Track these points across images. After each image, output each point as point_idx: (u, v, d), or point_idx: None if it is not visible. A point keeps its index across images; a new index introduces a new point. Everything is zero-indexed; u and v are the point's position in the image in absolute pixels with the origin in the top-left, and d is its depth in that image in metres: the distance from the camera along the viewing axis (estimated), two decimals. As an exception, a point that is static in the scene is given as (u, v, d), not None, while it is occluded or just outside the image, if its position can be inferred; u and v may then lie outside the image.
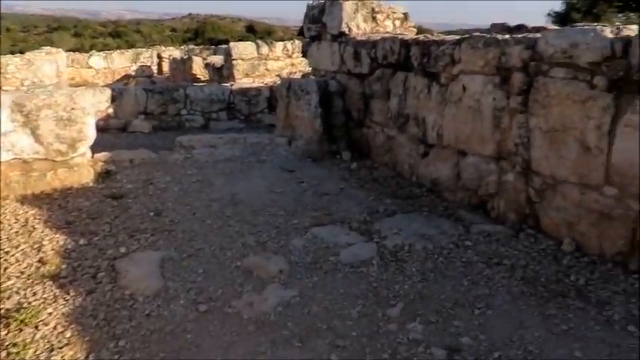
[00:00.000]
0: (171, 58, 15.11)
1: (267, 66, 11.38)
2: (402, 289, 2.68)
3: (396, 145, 4.85)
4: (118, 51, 17.00)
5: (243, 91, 8.51)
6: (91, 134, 4.48)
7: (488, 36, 3.58)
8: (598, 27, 2.81)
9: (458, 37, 4.06)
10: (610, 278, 2.70)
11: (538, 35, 3.21)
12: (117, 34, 39.16)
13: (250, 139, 5.60)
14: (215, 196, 4.17)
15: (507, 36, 3.49)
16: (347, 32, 5.56)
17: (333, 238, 3.24)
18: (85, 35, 38.49)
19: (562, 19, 23.93)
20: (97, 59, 15.00)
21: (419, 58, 4.29)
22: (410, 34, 5.50)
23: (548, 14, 25.54)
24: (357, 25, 5.59)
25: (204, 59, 13.71)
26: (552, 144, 3.12)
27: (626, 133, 2.66)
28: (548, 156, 3.17)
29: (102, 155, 5.12)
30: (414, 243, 3.12)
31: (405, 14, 6.00)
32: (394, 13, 5.89)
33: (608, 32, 2.75)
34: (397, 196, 4.26)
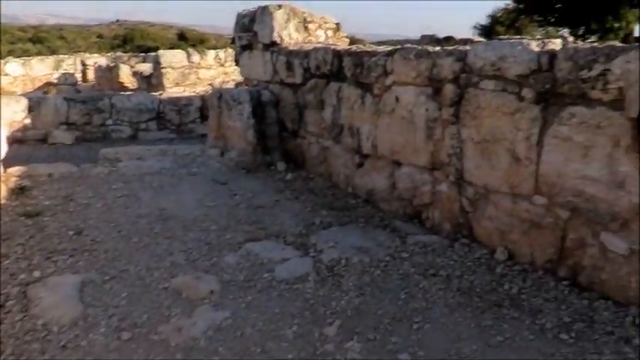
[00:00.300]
0: (96, 65, 14.38)
1: (199, 75, 11.08)
2: (339, 305, 2.59)
3: (332, 156, 4.80)
4: (37, 57, 15.99)
5: (174, 101, 8.20)
6: (2, 147, 4.09)
7: (420, 48, 3.61)
8: (525, 40, 2.89)
9: (390, 48, 4.08)
10: (541, 286, 2.75)
11: (468, 48, 3.27)
12: (38, 40, 36.88)
13: (181, 150, 5.37)
14: (142, 211, 3.92)
15: (438, 48, 3.53)
16: (279, 42, 5.47)
17: (268, 254, 3.10)
18: (1, 40, 35.98)
19: (487, 31, 25.20)
20: (13, 66, 14.03)
21: (352, 68, 4.27)
22: (342, 45, 5.50)
23: (475, 27, 26.85)
24: (289, 34, 5.51)
25: (132, 67, 13.15)
26: (484, 154, 3.17)
27: (554, 144, 2.73)
28: (481, 166, 3.21)
29: (16, 170, 4.71)
30: (351, 256, 3.04)
31: (337, 25, 6.00)
32: (326, 23, 5.88)
33: (534, 46, 2.82)
34: (333, 207, 4.19)
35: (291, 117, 5.37)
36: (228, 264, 3.02)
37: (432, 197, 3.69)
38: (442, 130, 3.47)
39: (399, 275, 2.87)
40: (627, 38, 15.89)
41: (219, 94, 5.42)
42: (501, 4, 28.13)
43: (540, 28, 21.11)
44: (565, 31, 18.01)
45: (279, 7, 5.54)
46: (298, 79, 5.11)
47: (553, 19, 18.36)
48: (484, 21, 26.76)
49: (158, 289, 2.77)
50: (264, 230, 3.53)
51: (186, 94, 9.05)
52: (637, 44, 2.35)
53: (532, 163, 2.88)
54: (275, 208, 4.12)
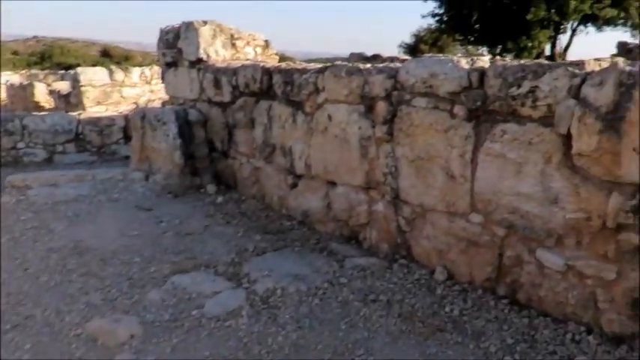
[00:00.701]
0: (8, 83, 13.34)
1: (123, 93, 10.52)
2: (276, 342, 2.39)
3: (264, 177, 4.61)
4: (-61, 75, 14.60)
5: (94, 121, 7.69)
6: None
7: (351, 65, 3.53)
8: (455, 58, 2.87)
9: (320, 65, 3.98)
10: (482, 306, 2.70)
11: (399, 65, 3.22)
12: (-59, 56, 33.98)
13: (100, 174, 4.97)
14: (54, 245, 3.54)
15: (369, 65, 3.46)
16: (205, 59, 5.24)
17: (197, 287, 2.85)
18: None
19: (412, 49, 26.11)
20: None
21: (282, 86, 4.13)
22: (272, 62, 5.36)
23: (400, 45, 27.79)
24: (215, 51, 5.30)
25: (48, 85, 12.30)
26: (419, 173, 3.11)
27: (487, 161, 2.71)
28: (416, 185, 3.15)
29: None
30: (287, 285, 2.85)
31: (266, 42, 5.86)
32: (255, 40, 5.72)
33: (464, 63, 2.80)
34: (267, 230, 4.00)
35: (220, 137, 5.14)
36: (152, 301, 2.74)
37: (368, 217, 3.59)
38: (376, 148, 3.39)
39: (338, 303, 2.72)
40: (539, 56, 17.00)
41: (143, 113, 5.09)
42: (425, 24, 29.32)
43: (461, 47, 22.16)
44: (484, 50, 19.00)
45: (205, 23, 5.33)
46: (227, 98, 4.90)
47: (473, 39, 19.30)
48: (409, 39, 27.78)
49: (69, 336, 2.44)
50: (192, 260, 3.27)
51: (109, 113, 8.53)
52: (564, 62, 2.37)
53: (467, 180, 2.85)
54: (205, 234, 3.86)
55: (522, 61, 2.62)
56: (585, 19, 17.31)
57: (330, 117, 3.69)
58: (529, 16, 15.80)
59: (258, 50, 5.80)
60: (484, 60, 2.84)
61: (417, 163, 3.11)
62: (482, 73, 2.71)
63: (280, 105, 4.22)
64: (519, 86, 2.49)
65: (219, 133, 5.13)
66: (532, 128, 2.49)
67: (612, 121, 2.14)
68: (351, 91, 3.47)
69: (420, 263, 3.21)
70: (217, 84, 4.98)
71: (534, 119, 2.49)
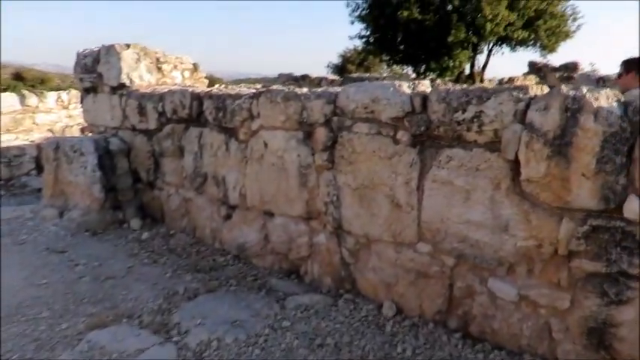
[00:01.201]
0: None
1: (36, 119, 9.72)
2: (214, 404, 2.09)
3: (195, 208, 4.29)
4: None
5: (2, 151, 6.98)
6: None
7: (287, 90, 3.34)
8: (396, 82, 2.75)
9: (254, 90, 3.76)
10: (435, 342, 2.54)
11: (338, 90, 3.07)
12: None
13: (6, 213, 4.42)
14: (-55, 299, 3.02)
15: (306, 90, 3.29)
16: (128, 84, 4.87)
17: (118, 345, 2.47)
18: None
19: (339, 70, 26.59)
20: None
21: (214, 112, 3.86)
22: (201, 86, 5.08)
23: (328, 66, 28.24)
24: (139, 76, 4.95)
25: (-51, 112, 11.17)
26: (363, 202, 2.95)
27: (434, 188, 2.59)
28: (360, 214, 2.98)
29: None
30: (224, 335, 2.55)
31: (195, 65, 5.57)
32: (182, 63, 5.42)
33: (405, 87, 2.70)
34: (199, 268, 3.67)
35: (146, 166, 4.75)
36: (65, 365, 2.34)
37: (309, 250, 3.37)
38: (317, 176, 3.20)
39: (282, 352, 2.46)
40: (460, 75, 17.86)
41: (56, 144, 4.61)
42: (351, 45, 30.00)
43: (386, 67, 22.86)
44: (409, 69, 19.66)
45: (128, 46, 4.96)
46: (153, 125, 4.55)
47: (398, 59, 19.96)
48: (336, 60, 28.31)
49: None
50: (113, 310, 2.89)
51: (19, 142, 7.80)
52: (508, 86, 2.31)
53: (413, 209, 2.71)
54: (128, 277, 3.48)
55: (465, 86, 2.55)
56: (500, 41, 18.45)
57: (266, 144, 3.47)
58: (450, 38, 16.59)
59: (187, 74, 5.50)
60: (425, 84, 2.75)
61: (360, 192, 2.95)
62: (424, 97, 2.61)
63: (212, 132, 3.94)
64: (464, 111, 2.41)
65: (145, 162, 4.75)
66: (479, 154, 2.40)
67: (560, 146, 2.09)
68: (288, 117, 3.27)
69: (367, 297, 3.03)
70: (142, 110, 4.62)
71: (480, 144, 2.40)
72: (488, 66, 19.12)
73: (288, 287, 3.30)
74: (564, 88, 2.13)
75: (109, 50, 4.94)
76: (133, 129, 4.81)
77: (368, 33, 19.65)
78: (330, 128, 3.06)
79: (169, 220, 4.60)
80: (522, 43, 18.59)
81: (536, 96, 2.23)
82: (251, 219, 3.76)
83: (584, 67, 12.95)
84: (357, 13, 19.34)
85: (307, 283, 3.39)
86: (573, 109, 2.05)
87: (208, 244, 4.13)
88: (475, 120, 2.37)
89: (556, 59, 16.26)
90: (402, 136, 2.71)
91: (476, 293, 2.54)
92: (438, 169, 2.57)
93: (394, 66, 21.41)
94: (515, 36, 17.60)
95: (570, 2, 18.73)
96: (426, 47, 18.34)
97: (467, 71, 18.75)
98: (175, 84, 5.15)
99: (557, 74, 13.59)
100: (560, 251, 2.20)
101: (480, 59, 19.62)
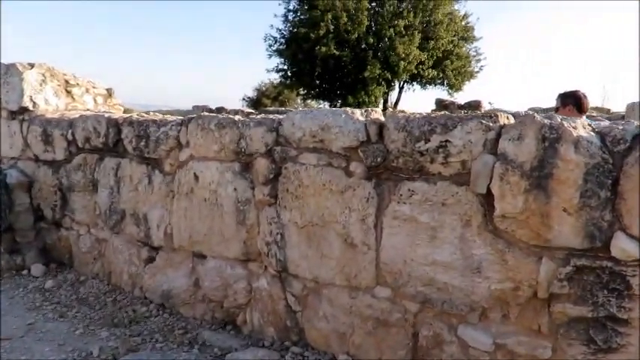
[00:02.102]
0: None
1: None
2: None
3: (110, 250, 3.73)
4: None
5: None
6: None
7: (222, 116, 2.98)
8: (348, 109, 2.50)
9: (182, 117, 3.36)
10: (401, 402, 2.23)
11: (282, 117, 2.76)
12: None
13: None
14: None
15: (238, 117, 2.95)
16: (31, 108, 4.25)
17: None
18: None
19: (255, 103, 26.45)
20: None
21: (134, 141, 3.39)
22: (118, 113, 4.55)
23: (243, 99, 28.02)
24: (45, 99, 4.35)
25: None
26: (311, 241, 2.62)
27: (395, 225, 2.32)
28: (308, 255, 2.65)
29: None
30: (153, 413, 2.08)
31: (109, 90, 5.04)
32: (95, 88, 4.87)
33: (359, 115, 2.44)
34: (117, 322, 3.14)
35: (51, 203, 4.12)
36: None
37: (248, 296, 2.98)
38: (257, 213, 2.84)
39: None
40: (374, 111, 18.45)
41: (-64, 176, 3.87)
42: (267, 79, 30.22)
43: (301, 102, 23.11)
44: (325, 104, 19.95)
45: (32, 65, 4.36)
46: (60, 155, 3.96)
47: (315, 93, 20.22)
48: (250, 93, 28.21)
49: None
50: (6, 386, 2.31)
51: None
52: (477, 113, 2.13)
53: (371, 248, 2.43)
54: (28, 336, 2.88)
55: (428, 113, 2.33)
56: (412, 78, 19.35)
57: (197, 177, 3.06)
58: (366, 74, 17.10)
59: (100, 100, 4.94)
60: (378, 112, 2.52)
61: (308, 230, 2.62)
62: (381, 126, 2.36)
63: (132, 163, 3.46)
64: (427, 140, 2.18)
65: (50, 198, 4.11)
66: (445, 187, 2.18)
67: (539, 178, 1.91)
68: (223, 147, 2.90)
69: (318, 350, 2.68)
70: (47, 138, 4.02)
71: (446, 177, 2.18)
72: (400, 102, 19.95)
73: (225, 341, 2.88)
74: (537, 116, 1.97)
75: (9, 69, 4.31)
76: (37, 159, 4.18)
77: (285, 67, 19.77)
78: (272, 159, 2.73)
79: (79, 264, 3.98)
80: (432, 81, 19.67)
81: (505, 125, 2.06)
82: (178, 262, 3.29)
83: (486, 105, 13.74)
84: (274, 47, 19.43)
85: (246, 334, 2.98)
86: (551, 139, 1.88)
87: (127, 292, 3.58)
88: (440, 150, 2.15)
89: (462, 97, 17.30)
90: (356, 167, 2.44)
91: (444, 342, 2.27)
92: (398, 205, 2.31)
93: (309, 101, 21.70)
94: (426, 74, 18.59)
95: (474, 45, 20.16)
96: (343, 82, 18.77)
97: (380, 107, 19.40)
98: (88, 109, 4.58)
99: (463, 112, 14.33)
100: (539, 294, 2.00)
101: (393, 95, 20.44)
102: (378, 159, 2.35)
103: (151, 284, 3.45)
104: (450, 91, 19.82)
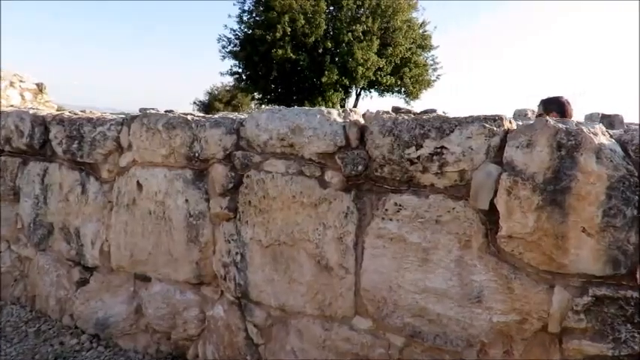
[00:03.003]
0: None
1: None
2: None
3: (35, 271, 3.19)
4: None
5: None
6: None
7: (172, 115, 2.55)
8: (324, 109, 2.15)
9: (123, 116, 2.90)
10: None
11: (243, 116, 2.37)
12: None
13: None
14: None
15: (199, 115, 2.54)
16: (-59, 101, 3.63)
17: None
18: None
19: (206, 107, 25.74)
20: None
21: (65, 142, 2.90)
22: (49, 110, 3.99)
23: (194, 102, 27.20)
24: (-41, 91, 3.74)
25: None
26: (278, 263, 2.24)
27: (379, 246, 1.99)
28: (274, 279, 2.26)
29: None
30: None
31: (40, 85, 4.47)
32: (22, 81, 4.29)
33: (336, 115, 2.10)
34: (39, 359, 2.62)
35: (-38, 214, 3.51)
36: None
37: (201, 326, 2.55)
38: (212, 229, 2.43)
39: None
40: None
41: None
42: (219, 82, 29.54)
43: (254, 106, 22.69)
44: (282, 110, 19.59)
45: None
46: (-26, 158, 3.38)
47: (270, 97, 19.82)
48: (202, 97, 27.46)
49: None
50: None
51: None
52: (478, 116, 1.83)
53: (349, 272, 2.08)
54: None
55: (418, 114, 2.02)
56: (370, 85, 19.31)
57: (140, 186, 2.61)
58: (324, 79, 16.87)
59: (28, 95, 4.36)
60: (358, 112, 2.19)
61: (274, 249, 2.24)
62: (363, 128, 2.03)
63: (62, 169, 2.95)
64: (419, 147, 1.87)
65: (-39, 208, 3.50)
66: (439, 201, 1.87)
67: (554, 193, 1.62)
68: (172, 151, 2.47)
69: (284, 390, 2.29)
70: (-42, 138, 3.42)
71: (439, 190, 1.87)
72: (357, 109, 19.94)
73: (172, 379, 2.44)
74: (550, 119, 1.70)
75: None
76: (-55, 163, 3.55)
77: (240, 70, 19.25)
78: (231, 166, 2.34)
79: (-4, 286, 3.40)
80: (390, 88, 19.73)
81: (510, 129, 1.77)
82: (117, 285, 2.82)
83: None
84: (228, 49, 18.87)
85: (198, 370, 2.55)
86: (569, 146, 1.61)
87: (54, 320, 3.06)
88: (435, 158, 1.84)
89: (419, 106, 17.44)
90: (333, 177, 2.09)
91: (434, 383, 1.95)
92: (383, 221, 1.98)
93: (264, 106, 21.31)
94: (384, 81, 18.60)
95: (431, 53, 20.42)
96: (300, 87, 18.48)
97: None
98: (12, 105, 3.99)
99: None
100: (550, 328, 1.71)
101: (350, 102, 20.36)
102: (359, 167, 2.01)
103: (83, 311, 2.95)
104: (408, 99, 19.93)
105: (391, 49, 18.09)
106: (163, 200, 2.55)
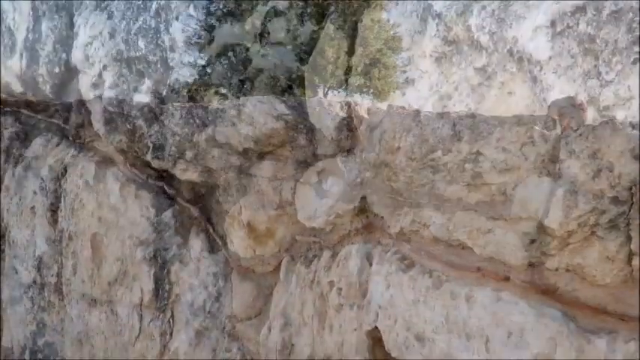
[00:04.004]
0: None
1: None
2: None
3: None
4: None
5: None
6: None
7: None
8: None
9: None
10: None
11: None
12: None
13: None
14: None
15: None
16: None
17: None
18: None
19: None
20: None
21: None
22: None
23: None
24: None
25: None
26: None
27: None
28: None
29: None
30: None
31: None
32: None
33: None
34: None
35: None
36: None
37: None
38: None
39: None
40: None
41: None
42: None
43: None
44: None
45: None
46: None
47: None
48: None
49: None
50: None
51: None
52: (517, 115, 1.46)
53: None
54: None
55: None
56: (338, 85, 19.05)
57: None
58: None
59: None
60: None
61: None
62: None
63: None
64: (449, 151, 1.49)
65: None
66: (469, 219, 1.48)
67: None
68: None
69: None
70: None
71: (471, 206, 1.49)
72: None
73: None
74: (618, 124, 1.34)
75: None
76: None
77: (204, 63, 18.65)
78: None
79: None
80: (358, 89, 19.49)
81: (563, 134, 1.41)
82: None
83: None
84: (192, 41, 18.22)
85: None
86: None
87: None
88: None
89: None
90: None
91: None
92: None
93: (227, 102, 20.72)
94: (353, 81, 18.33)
95: (400, 55, 20.31)
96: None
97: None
98: None
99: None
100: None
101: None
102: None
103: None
104: (376, 100, 19.76)
105: (362, 49, 17.87)
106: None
